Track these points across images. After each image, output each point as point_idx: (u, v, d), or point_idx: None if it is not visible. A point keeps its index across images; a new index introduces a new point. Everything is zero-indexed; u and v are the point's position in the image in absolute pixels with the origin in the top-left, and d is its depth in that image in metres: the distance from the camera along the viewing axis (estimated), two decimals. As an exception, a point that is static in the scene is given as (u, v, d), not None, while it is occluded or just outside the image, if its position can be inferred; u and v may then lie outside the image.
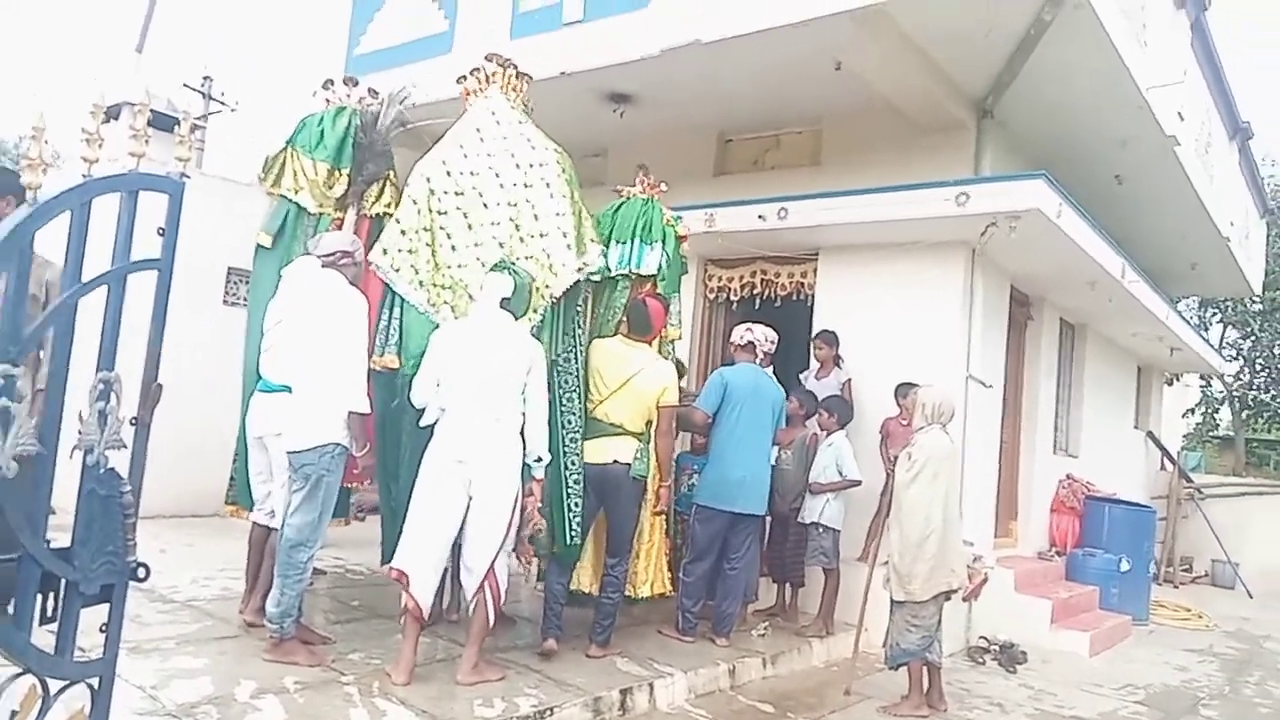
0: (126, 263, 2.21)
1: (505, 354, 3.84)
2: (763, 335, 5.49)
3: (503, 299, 3.90)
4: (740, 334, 5.54)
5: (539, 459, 3.92)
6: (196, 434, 6.46)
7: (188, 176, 2.47)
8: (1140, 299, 7.93)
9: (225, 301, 7.49)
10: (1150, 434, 12.22)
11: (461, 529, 3.79)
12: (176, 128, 4.43)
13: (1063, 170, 6.74)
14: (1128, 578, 7.95)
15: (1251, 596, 10.79)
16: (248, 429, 4.16)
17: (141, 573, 2.08)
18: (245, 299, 7.53)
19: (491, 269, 4.03)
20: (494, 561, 3.77)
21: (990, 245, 6.19)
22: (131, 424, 2.19)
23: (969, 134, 7.03)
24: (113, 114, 7.31)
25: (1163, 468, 12.54)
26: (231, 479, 4.53)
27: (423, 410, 3.90)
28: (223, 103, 13.48)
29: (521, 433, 3.87)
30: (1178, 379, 14.83)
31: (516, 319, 3.96)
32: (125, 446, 2.14)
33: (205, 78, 11.83)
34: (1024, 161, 7.46)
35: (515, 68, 4.65)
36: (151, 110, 2.68)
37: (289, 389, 3.85)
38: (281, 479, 3.90)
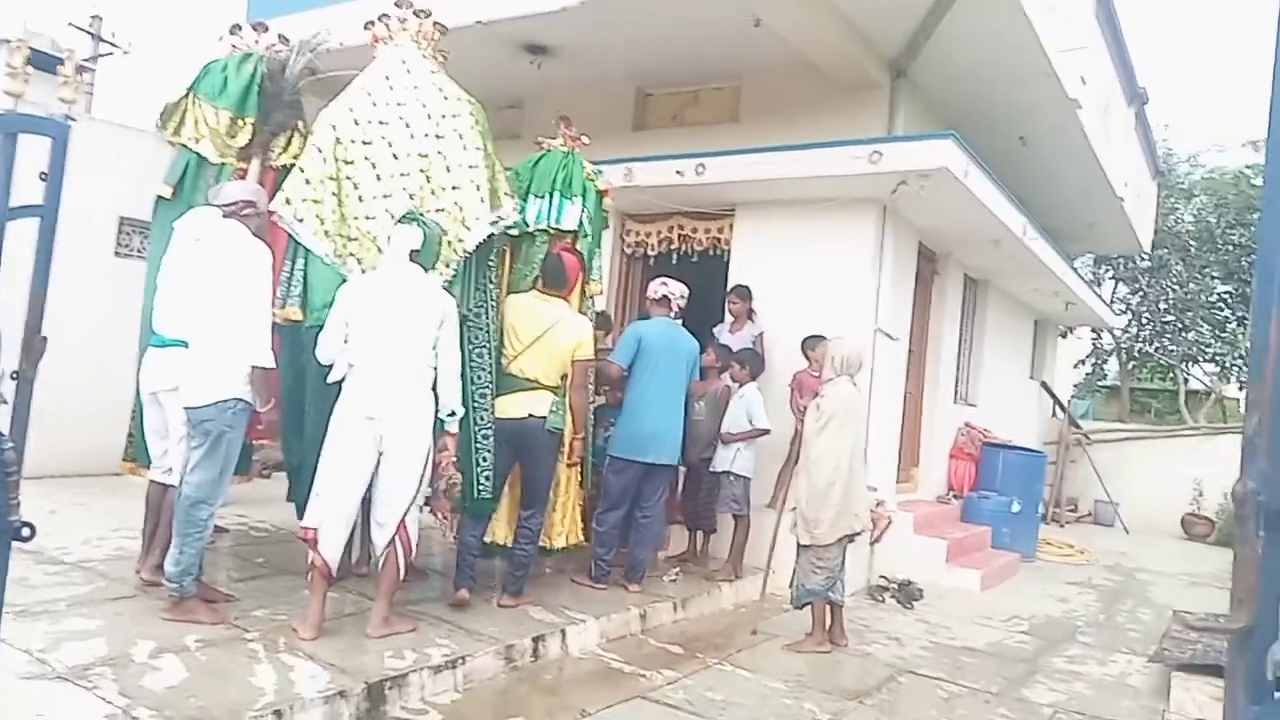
0: (5, 209, 2.09)
1: (416, 307, 3.78)
2: (676, 289, 5.54)
3: (411, 251, 3.83)
4: (655, 288, 5.58)
5: (452, 413, 3.90)
6: (86, 390, 6.18)
7: (73, 119, 2.35)
8: (1040, 256, 8.27)
9: (117, 253, 7.12)
10: (1044, 384, 12.87)
11: (371, 484, 3.76)
12: (60, 68, 4.17)
13: (971, 131, 6.93)
14: (1018, 518, 8.43)
15: (1128, 533, 11.62)
16: (141, 385, 4.02)
17: (26, 532, 2.00)
18: (139, 250, 7.20)
19: (399, 220, 3.93)
20: (405, 515, 3.77)
21: (901, 203, 6.36)
22: (13, 378, 2.10)
23: (884, 93, 7.15)
24: (-13, 48, 6.80)
25: (1054, 415, 13.27)
26: (130, 436, 4.38)
27: (330, 366, 3.82)
28: (114, 44, 12.61)
29: (434, 387, 3.84)
30: (1071, 332, 15.59)
31: (426, 271, 3.90)
32: (6, 402, 2.05)
33: (94, 17, 10.95)
34: (935, 121, 7.64)
35: (429, 15, 4.50)
36: (32, 49, 2.51)
37: (185, 344, 3.72)
38: (178, 435, 3.79)
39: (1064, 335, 14.82)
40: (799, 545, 4.84)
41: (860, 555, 6.16)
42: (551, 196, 4.89)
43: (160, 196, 4.32)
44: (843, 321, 6.16)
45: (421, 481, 3.81)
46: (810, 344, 6.10)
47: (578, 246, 4.93)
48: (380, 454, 3.72)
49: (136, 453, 4.31)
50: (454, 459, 3.97)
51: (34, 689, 2.88)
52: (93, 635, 3.41)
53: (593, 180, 5.07)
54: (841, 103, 7.10)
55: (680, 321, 5.62)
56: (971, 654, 5.15)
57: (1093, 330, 16.89)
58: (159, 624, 3.60)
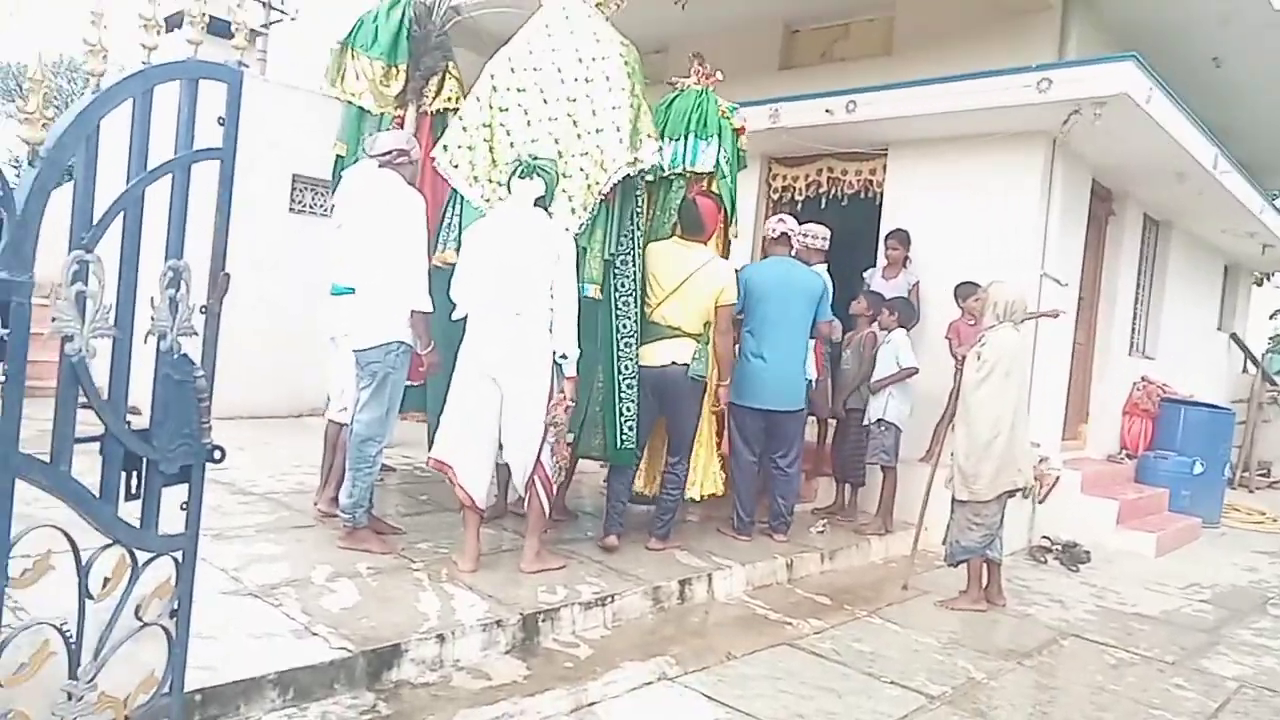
0: (190, 151, 2.22)
1: (530, 248, 3.75)
2: (795, 226, 5.30)
3: (537, 199, 3.82)
4: (771, 226, 5.32)
5: (565, 356, 3.83)
6: (267, 340, 6.66)
7: (246, 65, 2.46)
8: (1232, 192, 7.47)
9: (291, 209, 7.56)
10: (1234, 336, 11.73)
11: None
12: (233, 24, 4.41)
13: (1154, 53, 6.27)
14: (1200, 480, 7.76)
15: (1332, 503, 10.46)
16: (324, 330, 4.30)
17: (218, 454, 2.16)
18: (311, 206, 7.65)
19: (517, 174, 3.85)
20: (539, 454, 3.82)
21: (1072, 135, 5.87)
22: (201, 312, 2.25)
23: (1054, 15, 6.58)
24: (173, 24, 7.31)
25: (1245, 371, 12.08)
26: None
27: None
28: (282, 11, 13.49)
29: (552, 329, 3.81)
30: (1268, 279, 14.07)
31: (547, 211, 3.88)
32: (196, 334, 2.20)
33: (262, -15, 11.79)
34: (1113, 44, 6.97)
35: None
36: (210, 16, 2.65)
37: (353, 290, 3.92)
38: (351, 377, 4.01)
39: (1259, 283, 13.38)
40: (954, 500, 4.62)
41: (1021, 514, 5.84)
42: (686, 139, 4.75)
43: (338, 155, 4.56)
44: (1006, 266, 5.80)
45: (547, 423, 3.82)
46: (963, 291, 5.77)
47: (714, 188, 4.79)
48: (501, 396, 3.76)
49: None
50: (569, 404, 3.89)
51: (230, 604, 3.16)
52: (278, 559, 3.71)
53: (728, 118, 4.87)
54: (1006, 28, 6.59)
55: (825, 264, 5.42)
56: (1143, 620, 4.80)
57: (1294, 277, 15.18)
58: (335, 551, 3.87)
